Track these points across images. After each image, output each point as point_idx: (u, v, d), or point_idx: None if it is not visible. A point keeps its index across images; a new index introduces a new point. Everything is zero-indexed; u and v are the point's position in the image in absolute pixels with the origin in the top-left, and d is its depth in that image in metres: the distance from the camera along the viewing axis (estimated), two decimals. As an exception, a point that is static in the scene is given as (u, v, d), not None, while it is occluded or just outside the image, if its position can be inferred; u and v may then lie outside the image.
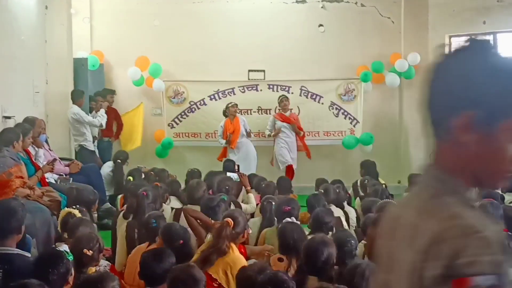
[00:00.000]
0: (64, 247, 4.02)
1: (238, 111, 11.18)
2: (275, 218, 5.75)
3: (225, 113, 11.11)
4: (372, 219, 4.90)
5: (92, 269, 4.29)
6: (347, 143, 11.95)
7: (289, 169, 11.27)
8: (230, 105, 11.05)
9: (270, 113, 11.85)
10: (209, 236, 5.07)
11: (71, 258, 3.96)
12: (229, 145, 10.98)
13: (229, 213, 4.93)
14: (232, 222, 4.74)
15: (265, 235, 5.61)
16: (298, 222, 5.34)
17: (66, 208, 5.71)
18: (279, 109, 11.45)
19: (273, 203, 6.08)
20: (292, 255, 4.66)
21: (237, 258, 4.66)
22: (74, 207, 5.63)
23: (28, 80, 9.35)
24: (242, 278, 3.94)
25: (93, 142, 10.55)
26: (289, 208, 5.57)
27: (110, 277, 3.72)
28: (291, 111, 11.52)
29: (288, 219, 5.18)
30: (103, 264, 4.67)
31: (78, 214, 5.41)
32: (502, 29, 11.59)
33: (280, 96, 11.37)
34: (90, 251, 4.37)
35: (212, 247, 4.64)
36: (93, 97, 11.17)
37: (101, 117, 10.42)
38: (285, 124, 11.20)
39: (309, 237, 5.19)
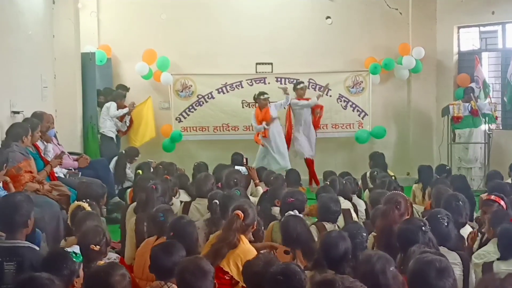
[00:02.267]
0: (75, 248, 3.99)
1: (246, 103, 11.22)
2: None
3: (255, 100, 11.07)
4: (381, 211, 4.88)
5: (101, 263, 4.28)
6: (360, 137, 11.93)
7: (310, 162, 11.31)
8: (262, 97, 10.95)
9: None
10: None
11: (79, 259, 3.94)
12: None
13: (238, 205, 4.90)
14: (242, 215, 4.73)
15: (272, 228, 5.59)
16: (301, 215, 5.34)
17: (76, 202, 5.71)
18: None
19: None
20: (296, 247, 4.67)
21: (247, 250, 4.64)
22: (84, 200, 5.64)
23: (36, 75, 9.33)
24: (248, 272, 3.92)
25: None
26: (293, 199, 5.59)
27: (117, 266, 3.73)
28: None
29: (291, 212, 5.18)
30: (113, 257, 4.67)
31: (88, 208, 5.41)
32: (510, 19, 11.52)
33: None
34: (97, 246, 4.37)
35: (223, 240, 4.62)
36: (101, 91, 11.23)
37: (123, 125, 11.29)
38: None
39: (313, 227, 5.23)
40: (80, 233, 4.71)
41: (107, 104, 11.03)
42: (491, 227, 4.84)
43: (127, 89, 11.57)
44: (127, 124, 11.46)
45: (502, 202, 5.19)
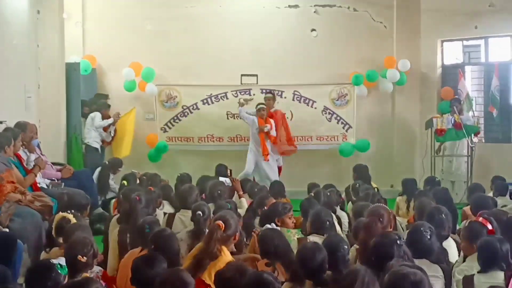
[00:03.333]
0: (60, 260, 3.95)
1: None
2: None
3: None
4: (363, 224, 4.88)
5: (86, 275, 4.25)
6: (344, 150, 11.97)
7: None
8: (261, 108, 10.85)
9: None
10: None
11: (64, 272, 3.90)
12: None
13: (219, 216, 4.88)
14: (223, 225, 4.70)
15: (257, 237, 5.56)
16: (278, 228, 5.35)
17: (60, 213, 5.66)
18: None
19: None
20: (274, 259, 4.67)
21: (229, 261, 4.61)
22: (68, 212, 5.59)
23: (20, 85, 9.26)
24: (220, 281, 3.91)
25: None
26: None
27: (92, 281, 3.71)
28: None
29: (268, 226, 5.18)
30: (95, 270, 4.62)
31: (73, 219, 5.37)
32: (493, 33, 11.65)
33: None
34: (84, 257, 4.33)
35: (203, 252, 4.60)
36: (85, 101, 11.19)
37: (108, 135, 11.23)
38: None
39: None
40: (67, 243, 4.66)
41: (91, 115, 11.02)
42: (469, 243, 4.81)
43: (106, 97, 11.51)
44: (112, 134, 11.39)
45: (489, 226, 5.00)
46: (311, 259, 4.08)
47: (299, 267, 4.12)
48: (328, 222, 5.41)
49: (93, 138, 10.98)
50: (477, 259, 4.49)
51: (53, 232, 5.39)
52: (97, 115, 10.97)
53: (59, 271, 3.86)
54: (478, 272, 4.41)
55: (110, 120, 11.07)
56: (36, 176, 7.31)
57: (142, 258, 4.20)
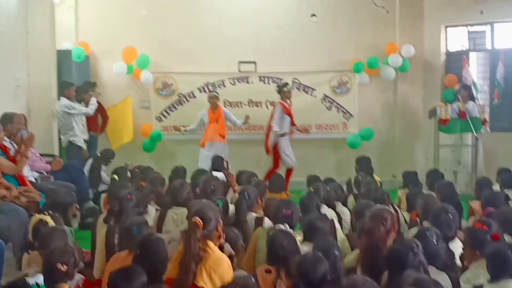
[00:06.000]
0: (37, 278, 3.66)
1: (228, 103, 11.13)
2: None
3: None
4: (365, 228, 4.56)
5: (65, 286, 3.96)
6: (353, 143, 11.69)
7: (290, 171, 10.99)
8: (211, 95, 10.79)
9: (261, 106, 11.64)
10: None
11: None
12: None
13: (195, 211, 4.35)
14: (201, 222, 4.20)
15: (258, 235, 5.23)
16: (291, 231, 5.03)
17: (37, 215, 5.37)
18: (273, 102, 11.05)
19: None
20: (281, 266, 4.30)
21: (218, 258, 4.20)
22: (45, 213, 5.29)
23: (8, 73, 9.03)
24: None
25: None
26: (290, 212, 5.26)
27: None
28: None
29: (281, 226, 4.83)
30: (76, 277, 4.33)
31: (51, 221, 5.07)
32: (499, 19, 11.31)
33: (286, 85, 10.90)
34: (64, 265, 4.04)
35: (186, 255, 4.14)
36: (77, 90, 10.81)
37: (93, 105, 10.22)
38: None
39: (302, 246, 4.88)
40: (47, 251, 4.38)
41: (62, 102, 9.88)
42: (472, 249, 4.57)
43: (94, 84, 10.84)
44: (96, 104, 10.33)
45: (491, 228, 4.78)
46: (313, 272, 3.83)
47: (299, 280, 3.82)
48: (322, 230, 5.06)
49: (76, 133, 10.02)
50: (487, 267, 4.20)
51: (29, 236, 5.10)
52: (62, 100, 9.90)
53: None
54: (488, 282, 4.12)
55: (94, 100, 10.26)
56: (27, 158, 7.02)
57: (119, 272, 3.91)
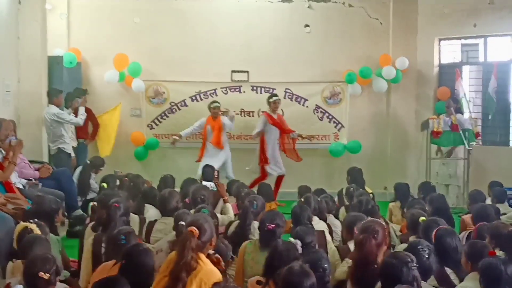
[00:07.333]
0: None
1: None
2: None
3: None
4: (356, 241, 4.49)
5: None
6: (334, 151, 11.64)
7: (280, 179, 10.91)
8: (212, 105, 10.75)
9: (253, 116, 11.58)
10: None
11: None
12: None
13: (192, 221, 4.38)
14: (197, 231, 4.21)
15: (245, 249, 5.14)
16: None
17: (22, 223, 5.27)
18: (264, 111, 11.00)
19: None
20: (274, 277, 4.20)
21: (209, 271, 4.15)
22: (31, 221, 5.19)
23: (-2, 79, 8.93)
24: None
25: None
26: (273, 226, 5.02)
27: None
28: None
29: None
30: (60, 287, 4.24)
31: (36, 229, 4.97)
32: (492, 32, 11.26)
33: (273, 96, 10.92)
34: (46, 274, 3.95)
35: (178, 264, 4.09)
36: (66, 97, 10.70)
37: (83, 115, 10.11)
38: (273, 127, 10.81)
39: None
40: (28, 259, 4.28)
41: (51, 110, 9.63)
42: (468, 261, 4.53)
43: (85, 92, 10.81)
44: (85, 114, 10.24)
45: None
46: (298, 285, 3.72)
47: None
48: (310, 243, 4.92)
49: (66, 140, 9.80)
50: (479, 282, 4.13)
51: (14, 243, 5.00)
52: (52, 107, 9.66)
53: None
54: (481, 296, 4.06)
55: (82, 109, 10.14)
56: (15, 164, 6.93)
57: (102, 282, 3.82)
